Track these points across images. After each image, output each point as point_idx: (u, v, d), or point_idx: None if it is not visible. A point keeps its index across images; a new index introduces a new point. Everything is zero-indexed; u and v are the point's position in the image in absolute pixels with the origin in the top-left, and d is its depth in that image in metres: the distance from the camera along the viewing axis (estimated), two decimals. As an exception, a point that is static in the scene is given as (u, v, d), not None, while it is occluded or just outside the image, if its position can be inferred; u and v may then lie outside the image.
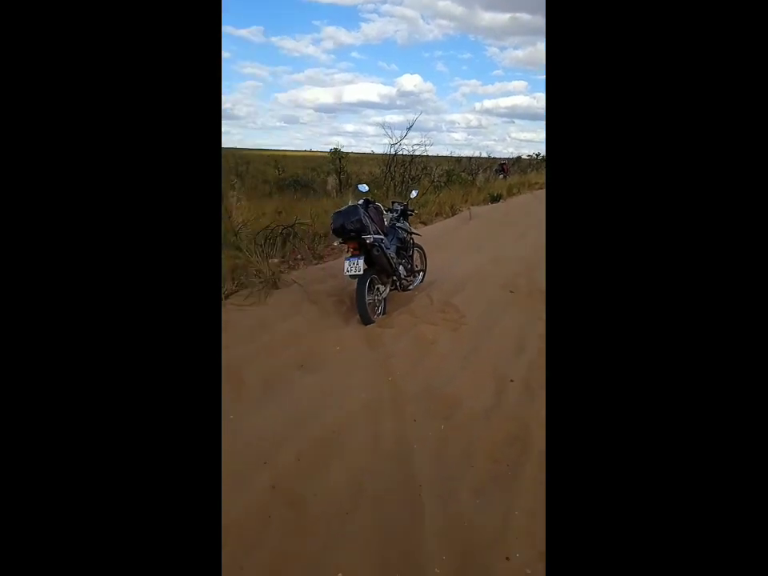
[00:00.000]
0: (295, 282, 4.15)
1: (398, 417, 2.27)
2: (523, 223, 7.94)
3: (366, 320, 3.33)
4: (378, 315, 3.52)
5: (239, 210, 5.58)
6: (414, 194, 4.47)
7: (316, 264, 5.01)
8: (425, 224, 7.59)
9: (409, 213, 4.26)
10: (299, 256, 5.03)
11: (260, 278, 4.02)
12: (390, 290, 3.78)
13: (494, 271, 4.84)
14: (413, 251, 4.18)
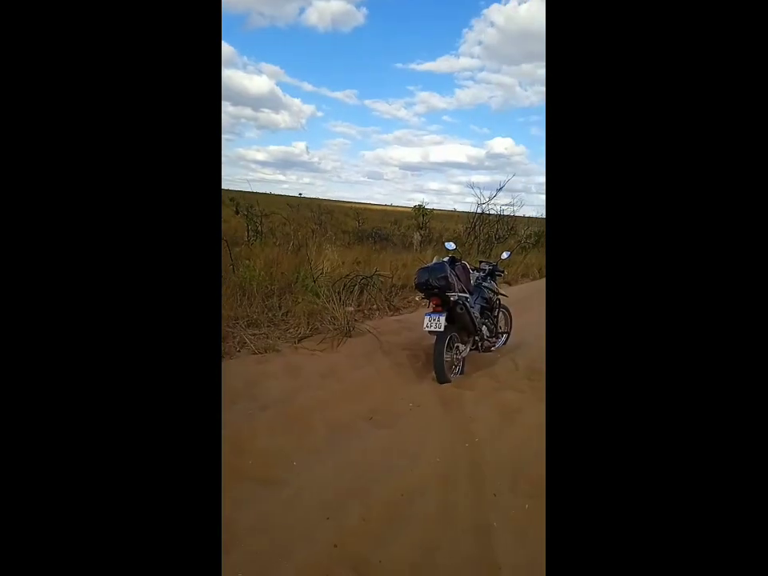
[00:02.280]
0: (369, 331, 4.07)
1: (475, 488, 2.08)
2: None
3: (441, 378, 3.20)
4: (455, 374, 3.39)
5: (321, 257, 5.68)
6: (505, 255, 4.40)
7: (391, 315, 4.96)
8: (509, 284, 7.51)
9: (498, 274, 4.21)
10: (375, 306, 5.04)
11: (334, 324, 3.99)
12: (471, 349, 3.65)
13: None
14: (498, 312, 4.06)
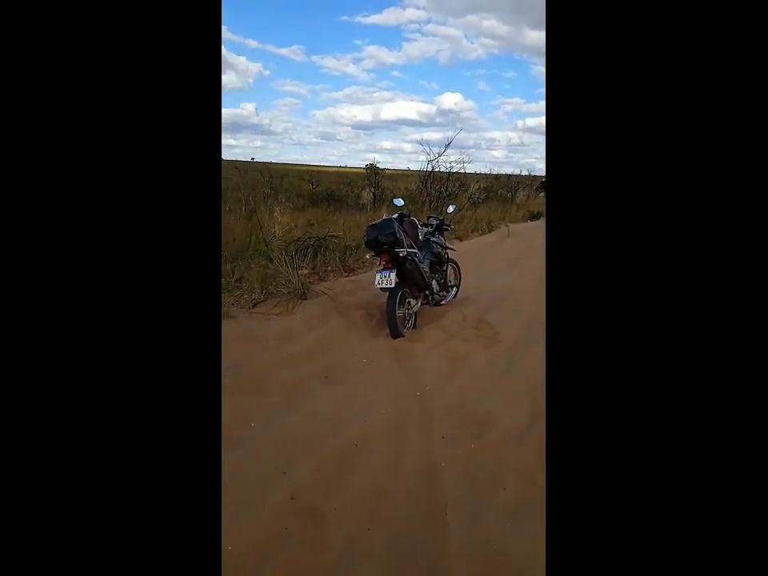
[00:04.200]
0: (324, 293, 4.09)
1: (425, 433, 2.22)
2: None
3: (395, 333, 3.29)
4: (407, 329, 3.48)
5: (272, 221, 5.56)
6: (451, 208, 4.48)
7: (346, 276, 4.97)
8: (460, 239, 7.57)
9: (445, 228, 4.25)
10: (329, 268, 5.03)
11: (288, 287, 3.99)
12: (422, 304, 3.75)
13: (532, 289, 4.61)
14: (447, 266, 4.15)
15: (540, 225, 10.12)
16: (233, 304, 3.81)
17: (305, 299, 3.99)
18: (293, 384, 2.66)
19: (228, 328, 3.31)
